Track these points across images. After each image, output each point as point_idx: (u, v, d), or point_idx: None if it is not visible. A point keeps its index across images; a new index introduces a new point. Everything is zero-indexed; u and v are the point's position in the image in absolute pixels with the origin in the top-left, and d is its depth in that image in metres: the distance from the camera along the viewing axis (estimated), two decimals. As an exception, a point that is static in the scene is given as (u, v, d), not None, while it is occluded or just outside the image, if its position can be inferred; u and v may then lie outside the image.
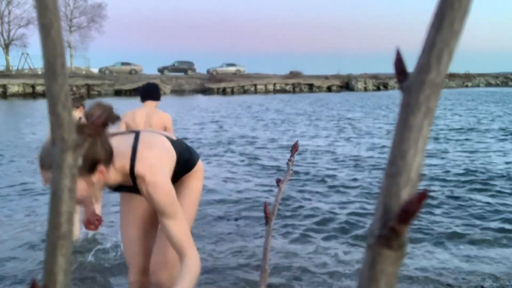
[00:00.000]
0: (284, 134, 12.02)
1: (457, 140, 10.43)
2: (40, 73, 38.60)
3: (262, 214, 4.71)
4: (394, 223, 0.23)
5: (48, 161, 1.55)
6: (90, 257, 3.70)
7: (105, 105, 1.53)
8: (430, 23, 0.25)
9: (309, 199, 5.42)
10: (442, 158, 8.00)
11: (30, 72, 39.38)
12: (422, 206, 0.23)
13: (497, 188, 5.84)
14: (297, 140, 0.91)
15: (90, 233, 4.09)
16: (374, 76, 48.18)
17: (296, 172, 6.72)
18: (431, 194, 5.44)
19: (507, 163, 7.57)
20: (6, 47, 44.36)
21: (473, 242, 4.07)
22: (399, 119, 0.25)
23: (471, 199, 5.41)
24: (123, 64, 42.47)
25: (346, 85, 45.90)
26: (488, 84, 53.15)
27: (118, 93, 35.91)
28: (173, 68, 45.00)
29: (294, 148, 0.84)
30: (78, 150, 0.28)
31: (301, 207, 5.05)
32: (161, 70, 44.98)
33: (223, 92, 39.75)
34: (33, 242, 4.00)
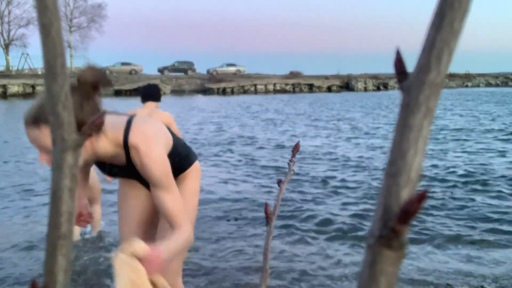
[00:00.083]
0: (284, 134, 12.02)
1: (457, 140, 10.43)
2: (40, 73, 38.62)
3: (262, 215, 4.71)
4: (394, 223, 0.23)
5: (34, 116, 1.49)
6: (90, 257, 3.70)
7: (97, 68, 1.51)
8: (430, 23, 0.25)
9: (309, 200, 5.42)
10: (442, 159, 8.00)
11: (30, 72, 39.42)
12: (422, 206, 0.23)
13: (497, 189, 5.84)
14: (299, 141, 0.91)
15: (90, 233, 4.09)
16: (374, 76, 48.19)
17: (296, 173, 6.72)
18: (431, 195, 5.44)
19: (507, 163, 7.57)
20: (6, 47, 44.38)
21: (473, 243, 4.06)
22: (399, 119, 0.25)
23: (471, 200, 5.41)
24: (123, 64, 42.49)
25: (346, 85, 45.91)
26: (488, 84, 53.15)
27: (118, 93, 35.93)
28: (173, 68, 45.02)
29: (295, 149, 0.84)
30: (78, 150, 0.28)
31: (300, 208, 5.04)
32: (161, 70, 45.00)
33: (223, 92, 39.76)
34: (33, 242, 4.00)
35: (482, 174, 6.66)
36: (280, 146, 9.71)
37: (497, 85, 52.69)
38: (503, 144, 9.72)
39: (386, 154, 7.48)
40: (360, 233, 4.28)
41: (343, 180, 6.38)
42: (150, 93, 4.10)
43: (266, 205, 0.67)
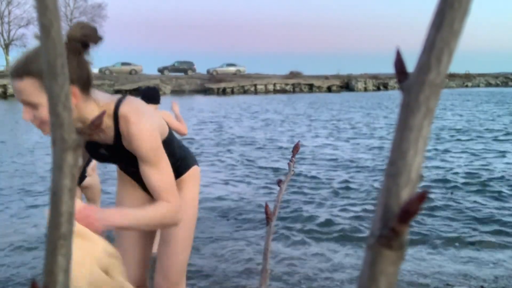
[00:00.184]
0: (284, 134, 12.02)
1: (457, 141, 10.43)
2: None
3: (262, 215, 4.71)
4: (394, 223, 0.23)
5: (17, 68, 1.43)
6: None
7: (87, 24, 1.47)
8: (430, 23, 0.25)
9: (308, 202, 5.42)
10: (442, 160, 8.00)
11: (30, 72, 39.36)
12: (422, 206, 0.23)
13: (497, 190, 5.84)
14: (299, 141, 0.91)
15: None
16: (374, 76, 48.20)
17: (296, 174, 6.72)
18: (431, 196, 5.44)
19: (507, 164, 7.56)
20: (6, 47, 44.39)
21: (472, 244, 4.06)
22: (399, 119, 0.25)
23: (470, 201, 5.41)
24: (123, 64, 42.48)
25: (346, 85, 45.92)
26: (488, 84, 53.17)
27: (118, 93, 35.93)
28: (173, 68, 45.03)
29: (295, 149, 0.84)
30: (78, 150, 0.28)
31: (300, 209, 5.04)
32: (161, 70, 45.01)
33: (223, 92, 39.76)
34: (33, 242, 4.00)
35: (482, 174, 6.66)
36: (280, 147, 9.71)
37: (497, 85, 52.70)
38: (503, 145, 9.72)
39: (386, 154, 7.49)
40: (360, 235, 4.28)
41: (342, 181, 6.37)
42: (150, 96, 4.19)
43: (266, 206, 0.67)
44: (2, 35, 44.61)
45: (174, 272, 1.88)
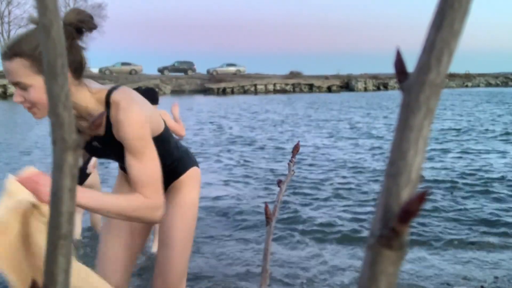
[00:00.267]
0: (284, 134, 12.01)
1: (457, 141, 10.43)
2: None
3: (262, 216, 4.71)
4: (394, 223, 0.23)
5: (7, 48, 1.40)
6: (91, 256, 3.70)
7: (83, 11, 1.47)
8: (430, 23, 0.25)
9: (308, 203, 5.42)
10: (442, 161, 8.00)
11: (30, 72, 39.37)
12: (422, 207, 0.23)
13: (497, 190, 5.83)
14: (298, 141, 0.91)
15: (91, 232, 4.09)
16: (374, 76, 48.20)
17: (296, 175, 6.72)
18: (431, 196, 5.44)
19: (506, 165, 7.56)
20: (6, 47, 44.34)
21: (473, 244, 4.06)
22: (399, 119, 0.25)
23: (471, 201, 5.41)
24: (123, 64, 42.47)
25: (346, 85, 45.92)
26: (488, 84, 53.16)
27: (118, 93, 35.90)
28: (173, 68, 45.03)
29: (295, 149, 0.84)
30: (78, 150, 0.28)
31: (299, 211, 5.04)
32: (161, 70, 45.01)
33: (223, 92, 39.76)
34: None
35: (482, 175, 6.66)
36: (280, 147, 9.71)
37: (497, 85, 52.70)
38: (503, 145, 9.72)
39: (386, 154, 7.50)
40: (360, 235, 4.28)
41: (342, 182, 6.37)
42: (148, 97, 4.22)
43: (266, 206, 0.67)
44: (2, 35, 44.61)
45: (173, 276, 1.83)
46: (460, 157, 8.17)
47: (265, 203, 0.70)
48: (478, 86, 52.36)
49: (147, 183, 1.49)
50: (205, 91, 39.66)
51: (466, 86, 51.56)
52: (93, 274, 1.42)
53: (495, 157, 8.18)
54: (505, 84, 53.32)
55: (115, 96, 1.52)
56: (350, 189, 5.93)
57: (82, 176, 3.65)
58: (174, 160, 1.85)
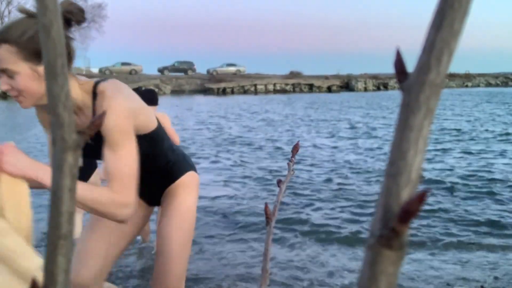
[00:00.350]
0: (284, 134, 12.02)
1: (457, 141, 10.43)
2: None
3: (262, 216, 4.71)
4: (394, 223, 0.23)
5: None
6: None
7: (74, 3, 1.45)
8: (430, 23, 0.25)
9: (307, 204, 5.42)
10: (442, 161, 8.00)
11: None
12: (422, 206, 0.23)
13: (497, 191, 5.83)
14: (298, 141, 0.91)
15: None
16: (374, 76, 48.21)
17: (296, 175, 6.72)
18: (432, 197, 5.44)
19: (506, 165, 7.56)
20: (6, 47, 44.36)
21: (473, 245, 4.06)
22: (399, 119, 0.25)
23: (471, 202, 5.41)
24: (123, 64, 42.50)
25: (346, 85, 45.93)
26: (488, 84, 53.18)
27: (118, 93, 35.89)
28: (173, 68, 45.05)
29: (295, 149, 0.84)
30: (78, 150, 0.28)
31: (298, 211, 5.04)
32: (161, 70, 45.03)
33: (223, 92, 39.77)
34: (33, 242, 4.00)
35: (482, 175, 6.66)
36: (280, 147, 9.71)
37: (497, 85, 52.71)
38: (503, 145, 9.72)
39: (386, 155, 7.50)
40: (359, 236, 4.28)
41: (342, 182, 6.37)
42: (148, 98, 4.24)
43: (266, 206, 0.67)
44: (2, 35, 44.62)
45: (171, 286, 1.76)
46: (460, 158, 8.17)
47: (265, 203, 0.70)
48: (478, 86, 52.37)
49: (119, 177, 1.43)
50: (205, 91, 39.66)
51: (466, 86, 51.57)
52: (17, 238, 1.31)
53: (495, 158, 8.18)
54: (505, 84, 53.32)
55: (101, 86, 1.49)
56: (350, 189, 5.93)
57: (83, 176, 3.65)
58: (168, 161, 1.80)
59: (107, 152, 1.45)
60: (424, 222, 4.54)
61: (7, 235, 1.28)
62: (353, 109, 21.40)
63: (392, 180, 0.24)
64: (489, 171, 6.89)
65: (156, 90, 4.21)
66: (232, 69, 46.12)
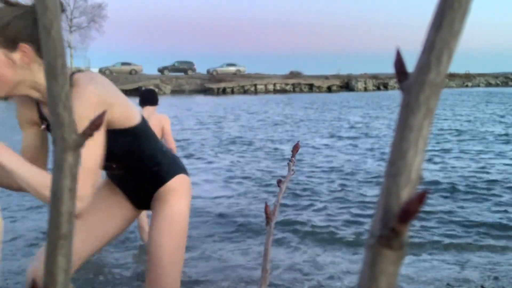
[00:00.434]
0: (283, 135, 12.01)
1: (457, 141, 10.43)
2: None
3: (261, 217, 4.71)
4: (394, 223, 0.23)
5: None
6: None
7: None
8: (430, 23, 0.25)
9: (307, 204, 5.42)
10: (442, 161, 7.99)
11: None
12: (422, 206, 0.23)
13: (497, 191, 5.83)
14: (298, 141, 0.91)
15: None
16: (374, 76, 48.21)
17: (296, 176, 6.72)
18: (431, 197, 5.44)
19: (506, 166, 7.56)
20: (6, 47, 44.33)
21: (473, 246, 4.06)
22: (399, 119, 0.25)
23: (471, 202, 5.41)
24: (123, 64, 42.51)
25: (346, 85, 45.93)
26: (488, 84, 53.19)
27: (118, 93, 35.90)
28: (173, 68, 45.07)
29: (295, 149, 0.84)
30: (78, 150, 0.28)
31: (298, 212, 5.04)
32: (161, 70, 45.05)
33: (223, 92, 39.77)
34: (33, 242, 4.00)
35: (482, 176, 6.66)
36: (279, 147, 9.71)
37: (497, 85, 52.72)
38: (503, 146, 9.72)
39: (386, 155, 7.50)
40: (359, 237, 4.27)
41: (342, 183, 6.37)
42: (147, 98, 4.24)
43: (266, 206, 0.67)
44: (2, 35, 44.61)
45: (167, 284, 1.69)
46: (460, 158, 8.17)
47: (265, 202, 0.70)
48: (478, 86, 52.37)
49: (82, 168, 1.37)
50: (205, 91, 39.67)
51: (466, 86, 51.57)
52: None
53: (495, 158, 8.18)
54: (505, 84, 53.33)
55: (76, 75, 1.47)
56: (350, 190, 5.92)
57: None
58: (157, 163, 1.73)
59: None
60: (424, 223, 4.54)
61: None
62: (353, 109, 21.40)
63: (392, 180, 0.24)
64: (489, 172, 6.89)
65: (156, 90, 4.21)
66: (232, 69, 46.13)
